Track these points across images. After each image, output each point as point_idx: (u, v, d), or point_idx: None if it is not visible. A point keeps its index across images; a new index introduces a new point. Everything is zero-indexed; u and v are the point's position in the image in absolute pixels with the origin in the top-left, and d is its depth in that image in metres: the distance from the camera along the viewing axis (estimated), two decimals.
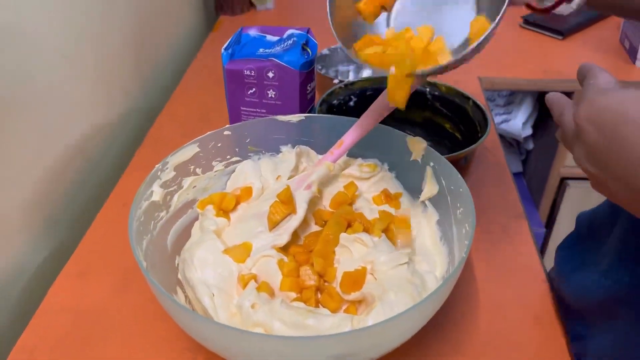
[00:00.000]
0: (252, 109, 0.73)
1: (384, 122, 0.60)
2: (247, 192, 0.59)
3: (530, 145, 1.35)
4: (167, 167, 0.56)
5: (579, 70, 0.44)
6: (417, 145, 0.59)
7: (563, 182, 1.26)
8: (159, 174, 0.55)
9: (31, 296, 0.67)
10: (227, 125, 0.60)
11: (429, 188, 0.58)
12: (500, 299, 0.59)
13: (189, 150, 0.58)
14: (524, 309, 0.58)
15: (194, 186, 0.60)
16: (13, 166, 0.64)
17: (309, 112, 0.76)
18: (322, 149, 0.64)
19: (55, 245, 0.73)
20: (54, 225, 0.73)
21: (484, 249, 0.66)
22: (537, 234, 1.28)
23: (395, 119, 0.86)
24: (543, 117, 1.29)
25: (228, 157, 0.62)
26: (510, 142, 1.38)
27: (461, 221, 0.52)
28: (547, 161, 1.24)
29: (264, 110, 0.73)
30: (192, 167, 0.59)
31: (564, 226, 1.31)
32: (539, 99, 1.29)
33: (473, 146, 0.68)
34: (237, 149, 0.62)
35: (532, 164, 1.37)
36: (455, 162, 0.58)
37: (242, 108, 0.74)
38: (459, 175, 0.53)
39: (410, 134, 0.60)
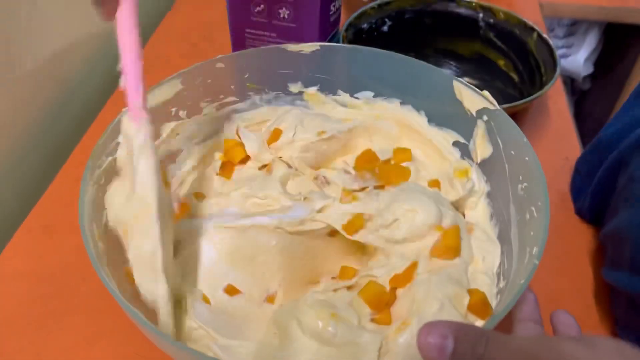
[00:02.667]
0: (260, 32, 0.59)
1: (422, 55, 0.44)
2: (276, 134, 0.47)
3: (588, 85, 1.17)
4: None
5: None
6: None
7: None
8: None
9: None
10: (219, 56, 0.46)
11: (480, 151, 0.44)
12: (555, 291, 0.48)
13: (169, 88, 0.44)
14: (579, 298, 0.48)
15: (178, 134, 0.47)
16: None
17: (331, 38, 0.61)
18: (343, 88, 0.50)
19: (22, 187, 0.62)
20: (20, 162, 0.62)
21: None
22: None
23: (437, 50, 0.71)
24: (607, 54, 1.11)
25: (221, 96, 0.48)
26: (563, 80, 1.20)
27: (523, 200, 0.39)
28: (608, 105, 1.07)
29: (274, 34, 0.59)
30: (174, 109, 0.46)
31: None
32: (606, 31, 1.10)
33: (538, 94, 0.53)
34: (232, 87, 0.49)
35: (588, 106, 1.20)
36: (513, 114, 0.44)
37: (247, 30, 0.60)
38: (525, 139, 0.39)
39: (455, 70, 0.45)
